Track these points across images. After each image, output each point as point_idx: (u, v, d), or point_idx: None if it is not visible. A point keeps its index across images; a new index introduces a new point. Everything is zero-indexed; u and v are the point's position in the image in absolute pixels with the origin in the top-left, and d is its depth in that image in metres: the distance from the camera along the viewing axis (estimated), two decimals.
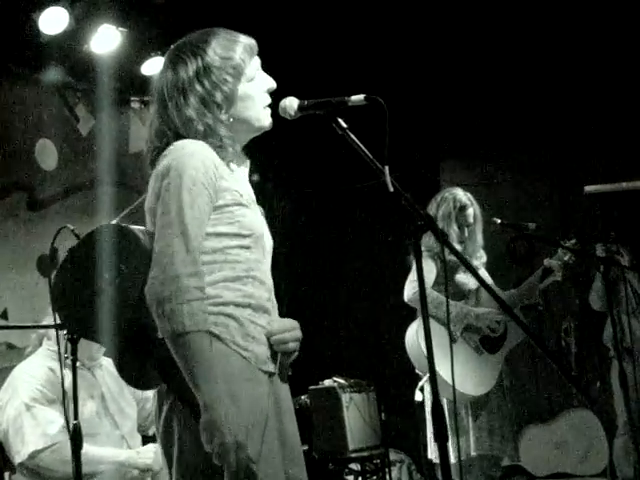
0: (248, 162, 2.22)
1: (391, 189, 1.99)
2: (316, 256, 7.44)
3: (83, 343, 3.07)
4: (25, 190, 5.50)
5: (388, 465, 5.65)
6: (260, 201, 2.20)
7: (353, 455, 5.46)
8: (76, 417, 2.92)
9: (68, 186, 5.77)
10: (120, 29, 5.28)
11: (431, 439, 4.11)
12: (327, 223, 7.35)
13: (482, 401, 4.06)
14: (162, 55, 5.46)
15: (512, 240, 6.19)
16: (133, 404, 3.52)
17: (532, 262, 6.16)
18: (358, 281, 7.13)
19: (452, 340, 4.05)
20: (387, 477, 5.66)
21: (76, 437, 2.90)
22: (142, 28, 5.38)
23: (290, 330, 2.11)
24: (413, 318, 4.23)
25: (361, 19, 5.67)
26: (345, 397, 5.53)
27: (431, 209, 4.27)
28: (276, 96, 2.20)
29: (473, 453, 3.99)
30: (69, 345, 3.04)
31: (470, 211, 4.28)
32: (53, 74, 5.52)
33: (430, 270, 4.05)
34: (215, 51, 2.11)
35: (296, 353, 2.13)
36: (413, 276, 4.09)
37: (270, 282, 2.15)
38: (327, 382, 5.68)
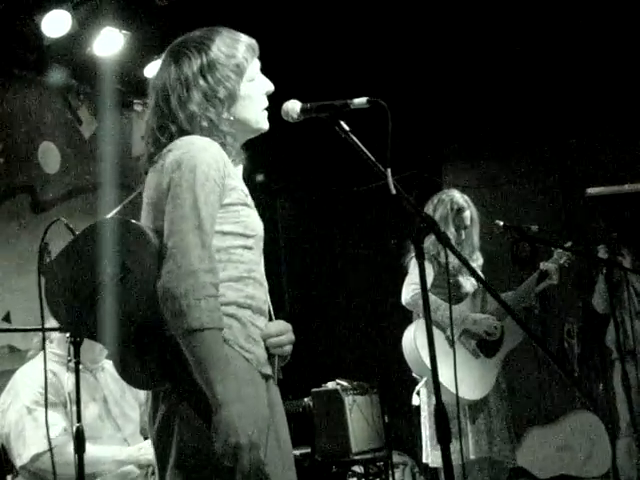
0: (242, 164, 2.20)
1: (393, 191, 2.00)
2: (319, 258, 7.44)
3: (85, 346, 3.07)
4: (28, 192, 5.51)
5: (391, 467, 5.65)
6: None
7: (356, 457, 5.46)
8: (79, 420, 2.92)
9: (71, 189, 5.78)
10: (123, 32, 5.29)
11: (427, 443, 4.10)
12: (329, 226, 7.35)
13: (480, 404, 4.05)
14: None
15: (515, 242, 6.19)
16: (135, 407, 3.52)
17: (535, 264, 6.15)
18: (361, 283, 7.13)
19: (450, 343, 4.05)
20: (390, 479, 5.66)
21: (79, 440, 2.89)
22: (145, 31, 5.39)
23: (285, 332, 2.09)
24: (411, 321, 4.23)
25: (363, 23, 5.67)
26: (348, 399, 5.53)
27: (427, 211, 4.26)
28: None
29: (472, 456, 3.98)
30: (72, 348, 3.04)
31: (467, 213, 4.28)
32: (56, 77, 5.54)
33: (428, 273, 4.05)
34: (219, 48, 2.10)
35: (289, 356, 2.12)
36: (410, 279, 4.09)
37: (266, 284, 2.13)
38: (330, 384, 5.68)
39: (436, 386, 1.95)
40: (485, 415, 4.05)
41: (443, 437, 1.91)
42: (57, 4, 4.96)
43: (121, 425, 3.40)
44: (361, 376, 5.89)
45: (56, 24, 5.02)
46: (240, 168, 2.19)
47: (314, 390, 5.64)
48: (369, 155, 2.05)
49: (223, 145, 2.06)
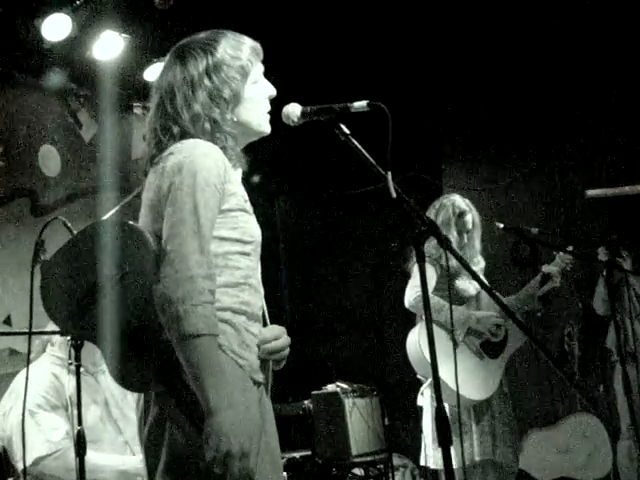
0: (242, 167, 2.20)
1: (394, 195, 2.00)
2: (319, 261, 7.44)
3: (87, 349, 3.07)
4: (28, 196, 5.51)
5: (392, 470, 5.64)
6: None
7: (356, 460, 5.46)
8: (80, 423, 2.92)
9: (71, 192, 5.79)
10: (123, 35, 5.30)
11: (428, 445, 4.10)
12: (331, 229, 7.35)
13: (484, 406, 4.07)
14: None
15: (515, 244, 6.20)
16: None
17: (535, 266, 6.15)
18: (362, 286, 7.13)
19: (455, 344, 4.07)
20: None
21: (80, 443, 2.89)
22: (145, 34, 5.39)
23: (280, 337, 2.09)
24: (415, 323, 4.24)
25: (362, 26, 5.68)
26: (348, 402, 5.53)
27: (430, 215, 4.28)
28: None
29: (477, 458, 3.99)
30: (72, 351, 3.04)
31: (469, 217, 4.31)
32: (56, 80, 5.54)
33: (431, 276, 4.07)
34: (225, 50, 2.12)
35: (284, 361, 2.12)
36: (414, 282, 4.10)
37: (262, 290, 2.12)
38: (330, 387, 5.68)
39: (437, 389, 1.95)
40: (489, 417, 4.06)
41: (444, 440, 1.91)
42: (57, 8, 4.96)
43: (122, 428, 3.40)
44: (361, 379, 5.89)
45: (56, 28, 5.03)
46: (240, 172, 2.18)
47: (314, 393, 5.64)
48: (369, 158, 2.05)
49: (224, 149, 2.06)
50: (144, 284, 1.89)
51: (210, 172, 1.95)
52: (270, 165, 6.83)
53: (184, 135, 2.05)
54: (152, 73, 5.63)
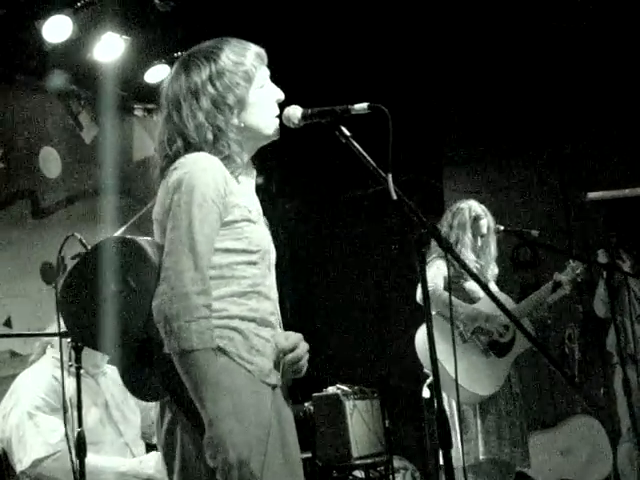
0: (254, 173, 2.23)
1: (394, 197, 2.00)
2: (320, 263, 7.44)
3: (87, 351, 3.07)
4: (29, 198, 5.51)
5: (392, 472, 5.64)
6: (264, 205, 2.20)
7: (357, 462, 5.45)
8: (80, 425, 2.92)
9: (72, 194, 5.79)
10: (124, 37, 5.30)
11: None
12: (331, 230, 7.35)
13: (489, 404, 4.08)
14: (166, 63, 5.49)
15: (516, 247, 6.20)
16: (137, 412, 3.52)
17: (535, 269, 6.16)
18: (362, 288, 7.13)
19: (463, 340, 4.14)
20: None
21: (80, 445, 2.89)
22: (146, 36, 5.40)
23: (299, 344, 2.11)
24: (415, 322, 4.24)
25: (364, 29, 5.69)
26: (349, 404, 5.53)
27: (447, 218, 4.40)
28: (280, 105, 2.21)
29: (482, 457, 4.00)
30: (73, 353, 3.04)
31: (484, 222, 4.39)
32: (57, 82, 5.54)
33: (445, 271, 4.10)
34: (228, 56, 2.13)
35: (305, 369, 2.14)
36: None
37: (275, 296, 2.16)
38: (331, 389, 5.67)
39: (437, 393, 1.96)
40: (495, 416, 4.07)
41: (444, 442, 1.91)
42: (58, 9, 4.96)
43: (122, 430, 3.40)
44: (362, 381, 5.88)
45: (57, 29, 5.03)
46: (251, 180, 2.19)
47: (315, 395, 5.63)
48: (370, 160, 2.05)
49: (228, 157, 2.08)
50: (148, 298, 1.96)
51: (208, 187, 1.98)
52: (271, 167, 6.84)
53: (189, 146, 2.07)
54: (153, 75, 5.64)
